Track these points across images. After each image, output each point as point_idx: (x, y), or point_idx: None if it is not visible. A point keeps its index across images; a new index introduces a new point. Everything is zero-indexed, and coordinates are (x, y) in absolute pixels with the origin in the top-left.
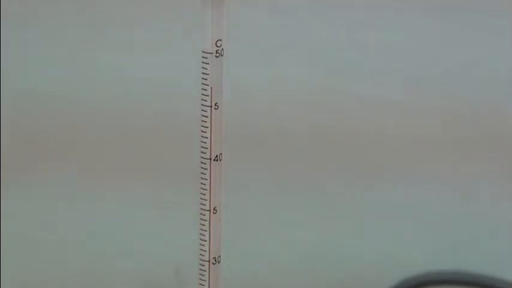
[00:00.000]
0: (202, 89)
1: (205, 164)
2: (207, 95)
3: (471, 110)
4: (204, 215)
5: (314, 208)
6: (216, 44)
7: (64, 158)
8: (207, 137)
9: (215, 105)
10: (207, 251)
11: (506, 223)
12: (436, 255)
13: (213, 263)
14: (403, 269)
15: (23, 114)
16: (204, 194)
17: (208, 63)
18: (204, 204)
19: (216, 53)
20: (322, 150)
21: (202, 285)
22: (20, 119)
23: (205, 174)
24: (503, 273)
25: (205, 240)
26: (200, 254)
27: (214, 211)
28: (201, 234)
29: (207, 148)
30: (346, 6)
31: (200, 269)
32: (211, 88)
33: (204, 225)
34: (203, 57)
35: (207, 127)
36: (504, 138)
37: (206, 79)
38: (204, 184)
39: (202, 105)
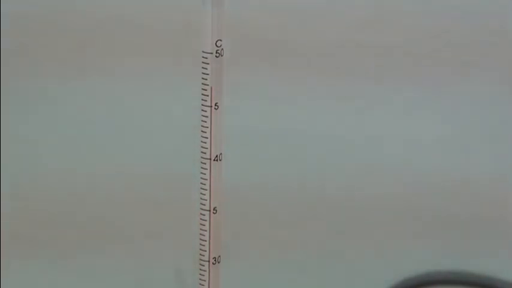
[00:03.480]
0: (202, 89)
1: (205, 164)
2: (207, 95)
3: (471, 110)
4: (204, 215)
5: (314, 208)
6: (216, 44)
7: (64, 157)
8: (207, 137)
9: (215, 105)
10: (207, 251)
11: (506, 223)
12: (436, 255)
13: (213, 263)
14: (403, 269)
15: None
16: (204, 194)
17: (208, 63)
18: (204, 204)
19: (216, 53)
20: (322, 150)
21: (202, 285)
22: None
23: (205, 174)
24: (503, 273)
25: (205, 240)
26: (200, 254)
27: (214, 211)
28: (201, 234)
29: (207, 148)
30: (346, 6)
31: (200, 269)
32: (211, 88)
33: (204, 225)
34: (203, 57)
35: (207, 127)
36: (504, 137)
37: (206, 79)
38: (204, 184)
39: (202, 105)
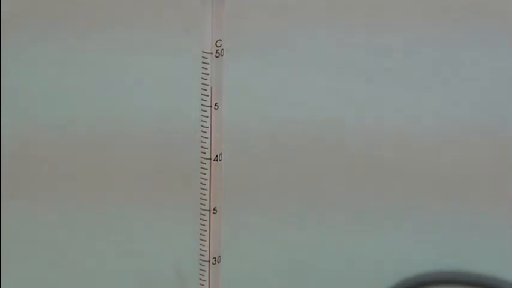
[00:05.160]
0: (202, 89)
1: (205, 164)
2: (207, 95)
3: (471, 111)
4: (204, 215)
5: (314, 208)
6: (216, 44)
7: (63, 158)
8: (207, 137)
9: (215, 105)
10: (207, 251)
11: (506, 223)
12: (436, 255)
13: (213, 263)
14: (403, 269)
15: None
16: (204, 194)
17: (208, 63)
18: (204, 204)
19: (216, 53)
20: (322, 150)
21: (202, 285)
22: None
23: (205, 174)
24: (503, 273)
25: (205, 240)
26: (200, 254)
27: (214, 211)
28: (201, 234)
29: (207, 148)
30: (346, 6)
31: (200, 269)
32: (211, 88)
33: (204, 225)
34: (203, 57)
35: (207, 127)
36: (504, 138)
37: (206, 79)
38: (204, 184)
39: (202, 105)
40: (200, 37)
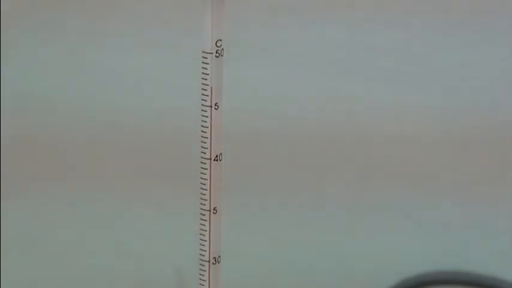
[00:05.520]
0: (202, 89)
1: (205, 164)
2: (207, 95)
3: (471, 111)
4: (204, 215)
5: (314, 208)
6: (216, 44)
7: (63, 158)
8: (207, 137)
9: (215, 105)
10: (207, 251)
11: (506, 223)
12: (436, 255)
13: (213, 263)
14: (403, 269)
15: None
16: (204, 194)
17: (208, 63)
18: (204, 204)
19: (216, 53)
20: (322, 151)
21: (202, 285)
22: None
23: (205, 174)
24: (503, 273)
25: (205, 240)
26: (200, 254)
27: (214, 211)
28: (201, 234)
29: (207, 148)
30: (346, 6)
31: (200, 269)
32: (211, 88)
33: (204, 225)
34: (203, 57)
35: (207, 127)
36: (503, 138)
37: (206, 79)
38: (204, 184)
39: (202, 105)
40: (200, 37)
